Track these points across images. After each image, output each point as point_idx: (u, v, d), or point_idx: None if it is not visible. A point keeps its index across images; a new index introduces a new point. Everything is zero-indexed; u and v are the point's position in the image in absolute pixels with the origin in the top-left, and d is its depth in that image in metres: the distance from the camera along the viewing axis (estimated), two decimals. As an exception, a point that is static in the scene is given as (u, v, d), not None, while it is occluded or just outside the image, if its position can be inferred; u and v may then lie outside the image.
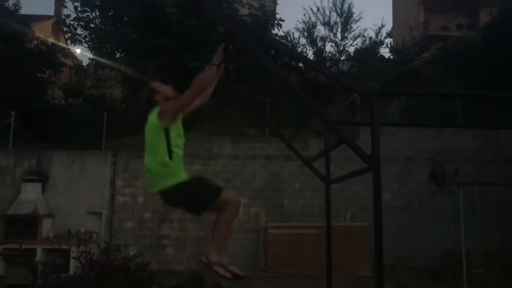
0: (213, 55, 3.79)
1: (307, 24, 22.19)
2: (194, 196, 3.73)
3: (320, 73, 5.11)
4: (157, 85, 3.99)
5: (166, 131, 3.69)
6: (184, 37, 15.02)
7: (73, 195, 11.52)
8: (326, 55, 21.55)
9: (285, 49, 8.03)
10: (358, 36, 22.02)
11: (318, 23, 22.20)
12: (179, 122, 3.85)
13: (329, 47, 21.92)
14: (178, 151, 3.77)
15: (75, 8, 16.25)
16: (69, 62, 18.91)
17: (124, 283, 8.38)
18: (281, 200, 11.76)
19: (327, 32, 21.94)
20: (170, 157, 3.69)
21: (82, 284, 8.23)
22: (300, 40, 22.23)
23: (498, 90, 11.79)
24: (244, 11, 16.82)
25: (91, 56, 16.95)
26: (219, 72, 3.81)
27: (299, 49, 21.02)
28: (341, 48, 21.72)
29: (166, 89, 3.92)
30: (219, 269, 3.63)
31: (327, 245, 4.88)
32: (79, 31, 16.53)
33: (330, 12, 21.92)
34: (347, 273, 9.30)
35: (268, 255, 10.65)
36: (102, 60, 16.21)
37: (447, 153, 11.89)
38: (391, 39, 26.38)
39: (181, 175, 3.73)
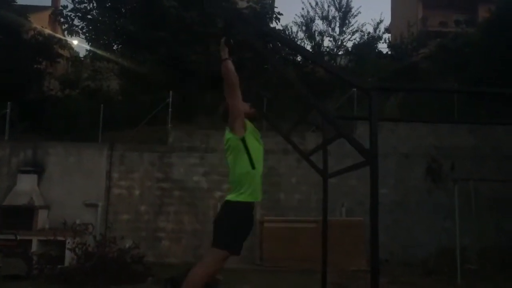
0: (219, 53, 3.73)
1: (305, 18, 22.12)
2: (225, 223, 3.66)
3: (319, 66, 5.09)
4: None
5: (243, 140, 3.67)
6: (183, 30, 14.96)
7: (69, 187, 11.49)
8: (324, 50, 21.50)
9: (285, 42, 8.02)
10: (357, 31, 21.96)
11: (317, 17, 22.15)
12: (253, 131, 3.81)
13: (327, 42, 21.91)
14: (258, 160, 3.78)
15: (72, -2, 16.17)
16: (66, 53, 18.83)
17: (120, 275, 8.39)
18: (277, 194, 11.77)
19: (325, 26, 21.88)
20: (253, 166, 3.69)
21: (77, 276, 8.23)
22: (298, 34, 22.19)
23: (495, 87, 11.80)
24: (243, 4, 16.77)
25: (88, 47, 16.90)
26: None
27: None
28: (339, 43, 21.68)
29: (244, 105, 3.86)
30: None
31: (323, 240, 4.89)
32: (76, 22, 16.47)
33: (328, 6, 21.83)
34: (343, 268, 9.32)
35: (263, 249, 10.66)
36: (99, 52, 16.15)
37: (444, 149, 11.91)
38: (390, 35, 26.34)
39: (247, 194, 3.67)
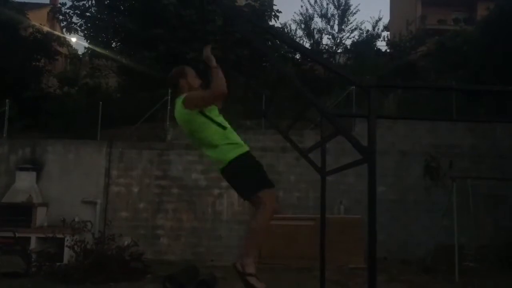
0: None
1: (304, 16, 22.16)
2: (246, 174, 3.67)
3: (318, 63, 5.10)
4: (189, 70, 3.94)
5: (202, 112, 3.64)
6: (181, 28, 14.95)
7: (68, 184, 11.49)
8: (323, 48, 21.53)
9: (284, 39, 8.01)
10: (355, 28, 22.04)
11: (315, 15, 22.18)
12: (212, 107, 3.77)
13: (326, 40, 21.93)
14: (224, 122, 3.75)
15: (71, -4, 16.15)
16: (64, 50, 18.81)
17: (118, 272, 8.41)
18: (276, 192, 11.75)
19: (324, 24, 21.92)
20: (224, 127, 3.69)
21: (76, 273, 8.26)
22: (297, 32, 22.21)
23: (494, 85, 11.83)
24: (241, 1, 16.76)
25: (86, 45, 16.88)
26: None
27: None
28: (338, 40, 21.71)
29: (194, 78, 3.89)
30: (253, 280, 3.57)
31: (321, 237, 4.90)
32: (74, 19, 16.46)
33: (327, 4, 21.89)
34: (341, 265, 9.35)
35: (262, 247, 10.67)
36: (98, 49, 16.13)
37: (442, 148, 11.93)
38: (388, 33, 26.36)
39: (241, 144, 3.73)
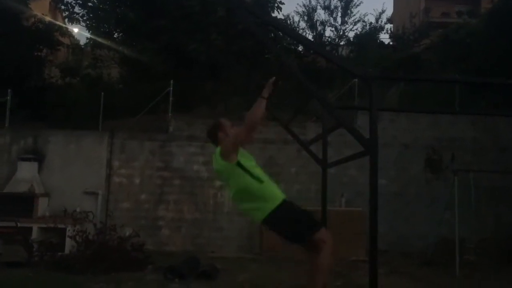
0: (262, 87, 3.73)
1: (307, 8, 22.04)
2: (292, 222, 3.68)
3: (321, 55, 5.07)
4: (224, 122, 3.99)
5: (239, 164, 3.65)
6: (184, 19, 14.89)
7: (69, 175, 11.50)
8: (326, 40, 21.43)
9: (287, 31, 7.97)
10: (358, 21, 21.92)
11: (318, 7, 22.07)
12: (244, 152, 3.81)
13: (328, 32, 21.82)
14: (261, 174, 3.75)
15: (73, -14, 16.08)
16: (66, 41, 18.74)
17: (120, 262, 8.44)
18: (277, 184, 11.75)
19: (327, 16, 21.81)
20: (261, 181, 3.68)
21: (77, 263, 8.28)
22: (300, 24, 22.10)
23: (497, 78, 11.77)
24: (244, -7, 16.64)
25: (88, 35, 16.82)
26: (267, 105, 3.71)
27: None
28: (341, 33, 21.62)
29: (231, 128, 3.92)
30: None
31: (322, 229, 4.89)
32: (76, 9, 16.40)
33: (330, -5, 21.75)
34: (342, 257, 9.36)
35: (263, 239, 10.69)
36: (100, 40, 16.08)
37: (444, 141, 11.91)
38: (392, 25, 26.24)
39: (278, 195, 3.72)
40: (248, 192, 3.68)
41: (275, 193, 3.73)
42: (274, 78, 3.71)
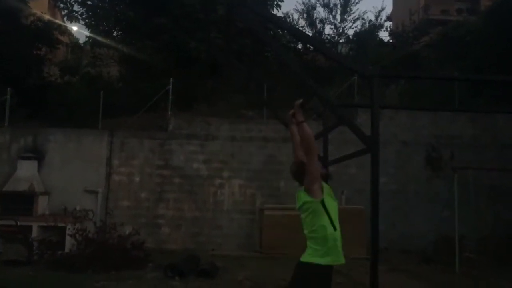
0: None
1: (306, 6, 22.01)
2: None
3: (321, 53, 5.07)
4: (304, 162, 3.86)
5: (323, 203, 3.57)
6: (184, 17, 14.87)
7: (69, 173, 11.50)
8: (325, 38, 21.41)
9: (287, 28, 7.98)
10: (358, 18, 21.86)
11: (318, 5, 22.03)
12: (329, 191, 3.70)
13: (328, 30, 21.78)
14: (337, 223, 3.65)
15: (72, -16, 16.04)
16: (65, 39, 18.72)
17: (120, 260, 8.44)
18: (277, 182, 11.78)
19: (326, 14, 21.77)
20: (335, 228, 3.58)
21: (77, 261, 8.28)
22: (299, 22, 22.08)
23: (496, 75, 11.78)
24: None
25: (88, 33, 16.79)
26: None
27: (298, 31, 20.81)
28: (340, 30, 21.58)
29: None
30: None
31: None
32: (75, 8, 16.36)
33: (330, -7, 21.69)
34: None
35: (263, 236, 10.70)
36: (99, 38, 16.05)
37: (444, 138, 11.91)
38: (391, 23, 26.20)
39: (334, 255, 3.58)
40: (319, 231, 3.58)
41: (332, 250, 3.58)
42: (300, 100, 3.68)
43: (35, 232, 9.98)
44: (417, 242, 10.89)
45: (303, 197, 3.66)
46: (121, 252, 8.70)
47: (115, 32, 17.03)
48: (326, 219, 3.55)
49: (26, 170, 11.17)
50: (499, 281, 8.22)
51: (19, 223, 9.85)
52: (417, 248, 10.72)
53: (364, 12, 30.90)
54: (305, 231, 3.67)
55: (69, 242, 9.71)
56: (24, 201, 10.62)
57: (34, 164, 11.34)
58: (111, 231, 9.23)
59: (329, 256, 3.52)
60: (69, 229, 9.73)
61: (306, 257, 3.55)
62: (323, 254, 3.51)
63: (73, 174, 11.51)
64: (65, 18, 17.33)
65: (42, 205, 10.96)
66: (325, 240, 3.52)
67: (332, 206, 3.62)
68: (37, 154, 11.49)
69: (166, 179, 11.77)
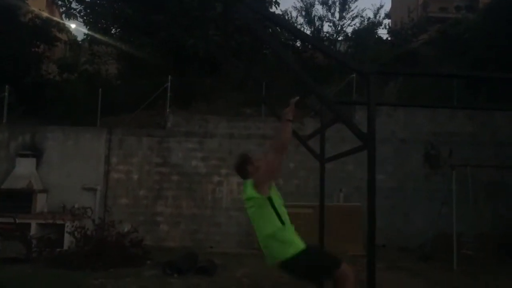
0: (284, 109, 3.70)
1: (305, 3, 22.00)
2: (315, 266, 3.73)
3: (319, 50, 5.07)
4: (251, 155, 4.02)
5: (270, 200, 3.67)
6: (182, 15, 14.85)
7: (68, 171, 11.51)
8: (324, 35, 21.41)
9: (285, 26, 7.96)
10: (356, 16, 21.89)
11: (316, 2, 22.02)
12: (275, 190, 3.83)
13: (326, 27, 21.77)
14: (287, 218, 3.77)
15: (70, -19, 16.00)
16: (63, 37, 18.68)
17: (118, 258, 8.45)
18: (275, 179, 11.77)
19: (325, 11, 21.77)
20: (282, 222, 3.69)
21: (76, 259, 8.29)
22: (298, 19, 22.07)
23: (495, 72, 11.78)
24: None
25: (86, 31, 16.76)
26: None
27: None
28: (339, 28, 21.57)
29: (259, 161, 3.90)
30: None
31: (320, 225, 4.92)
32: (74, 5, 16.32)
33: (328, -10, 21.68)
34: (340, 252, 9.35)
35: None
36: (97, 36, 16.02)
37: (442, 135, 11.93)
38: (390, 20, 26.19)
39: (298, 242, 3.72)
40: (267, 228, 3.71)
41: (294, 240, 3.72)
42: (297, 98, 3.69)
43: (33, 230, 9.98)
44: (415, 239, 10.92)
45: (249, 191, 3.74)
46: (120, 250, 8.71)
47: (113, 29, 17.01)
48: (273, 215, 3.67)
49: (25, 168, 11.17)
50: (497, 278, 8.24)
51: (17, 221, 9.85)
52: (415, 245, 10.75)
53: (363, 10, 30.89)
54: (257, 233, 3.83)
55: (67, 240, 9.71)
56: (22, 199, 10.62)
57: (32, 161, 11.35)
58: (109, 228, 9.23)
59: (293, 247, 3.67)
60: (67, 226, 9.73)
61: (283, 254, 3.67)
62: (287, 245, 3.67)
63: (71, 172, 11.52)
64: (63, 16, 17.29)
65: (40, 202, 10.97)
66: (281, 236, 3.68)
67: (278, 203, 3.75)
68: (35, 152, 11.49)
69: (165, 177, 11.78)
